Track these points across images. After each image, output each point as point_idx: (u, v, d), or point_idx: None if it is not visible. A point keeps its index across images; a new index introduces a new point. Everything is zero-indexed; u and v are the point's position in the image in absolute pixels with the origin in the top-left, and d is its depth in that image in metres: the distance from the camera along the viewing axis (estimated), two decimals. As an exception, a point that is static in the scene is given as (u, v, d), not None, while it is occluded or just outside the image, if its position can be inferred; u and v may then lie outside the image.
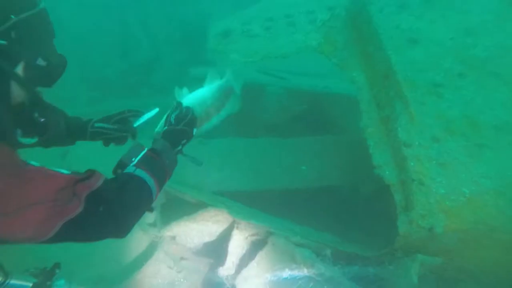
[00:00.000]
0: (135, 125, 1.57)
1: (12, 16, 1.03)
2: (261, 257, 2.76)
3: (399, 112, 2.28)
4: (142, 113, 1.59)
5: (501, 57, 2.60)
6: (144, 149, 1.29)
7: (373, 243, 3.28)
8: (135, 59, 8.20)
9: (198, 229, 3.00)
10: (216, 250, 2.96)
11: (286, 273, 2.72)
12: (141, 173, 1.20)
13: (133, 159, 1.25)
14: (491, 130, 2.31)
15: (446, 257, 2.20)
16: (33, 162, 1.00)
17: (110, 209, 1.07)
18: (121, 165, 1.25)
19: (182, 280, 3.19)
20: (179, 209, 3.25)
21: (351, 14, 3.15)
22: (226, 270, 2.74)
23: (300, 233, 2.99)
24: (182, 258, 3.20)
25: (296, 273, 2.71)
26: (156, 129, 1.50)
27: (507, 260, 2.11)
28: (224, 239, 2.93)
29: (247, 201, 3.65)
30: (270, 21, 3.26)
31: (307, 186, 4.13)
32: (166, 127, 1.43)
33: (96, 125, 1.56)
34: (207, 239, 3.00)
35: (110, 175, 1.18)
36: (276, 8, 3.47)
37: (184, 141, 1.43)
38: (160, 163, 1.28)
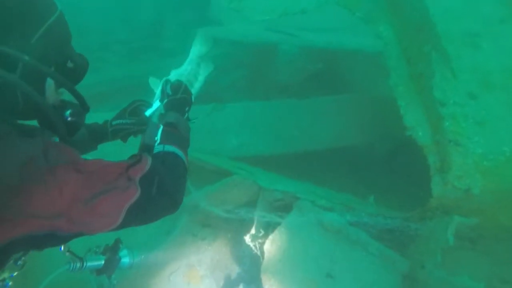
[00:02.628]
0: (147, 113, 1.58)
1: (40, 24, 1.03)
2: (288, 222, 2.75)
3: (435, 68, 2.11)
4: (150, 103, 1.60)
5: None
6: (160, 127, 1.32)
7: (392, 202, 3.28)
8: (137, 23, 7.88)
9: (221, 197, 2.98)
10: (240, 217, 2.96)
11: (314, 237, 2.72)
12: (170, 148, 1.25)
13: (155, 138, 1.29)
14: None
15: (481, 217, 2.15)
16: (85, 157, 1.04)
17: (163, 187, 1.12)
18: (146, 147, 1.31)
19: (207, 247, 3.24)
20: (199, 176, 3.23)
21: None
22: (253, 236, 2.74)
23: (324, 195, 2.97)
24: (205, 225, 3.22)
25: (323, 237, 2.72)
26: (154, 101, 1.54)
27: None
28: (248, 205, 2.92)
29: (266, 166, 3.62)
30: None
31: (324, 147, 4.08)
32: (166, 99, 1.46)
33: (113, 123, 1.59)
34: (230, 206, 2.99)
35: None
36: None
37: (187, 108, 1.48)
38: (179, 134, 1.33)
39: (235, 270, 3.20)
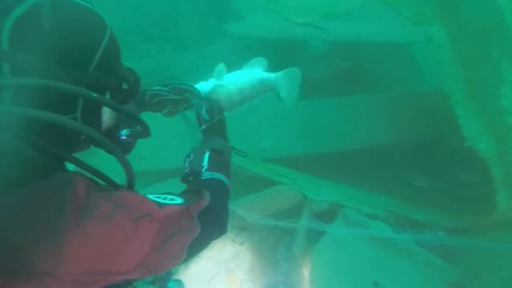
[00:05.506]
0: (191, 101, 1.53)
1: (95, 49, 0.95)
2: (333, 231, 2.71)
3: (505, 75, 1.98)
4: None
5: None
6: (205, 153, 1.31)
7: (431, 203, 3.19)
8: (152, 15, 7.71)
9: (262, 206, 2.94)
10: (281, 224, 2.93)
11: (359, 246, 2.68)
12: (217, 176, 1.26)
13: (202, 164, 1.28)
14: None
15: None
16: (151, 197, 0.99)
17: (216, 218, 1.14)
18: (192, 173, 1.29)
19: (245, 251, 3.22)
20: (235, 182, 3.19)
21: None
22: (298, 245, 2.70)
23: (367, 201, 2.91)
24: (242, 229, 3.20)
25: (369, 245, 2.67)
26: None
27: None
28: (290, 212, 2.87)
29: (299, 166, 3.57)
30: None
31: (357, 146, 4.00)
32: (204, 125, 1.44)
33: (153, 88, 1.54)
34: (270, 212, 2.96)
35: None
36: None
37: (225, 129, 1.46)
38: (224, 160, 1.33)
39: (272, 273, 3.20)
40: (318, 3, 2.72)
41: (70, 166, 0.94)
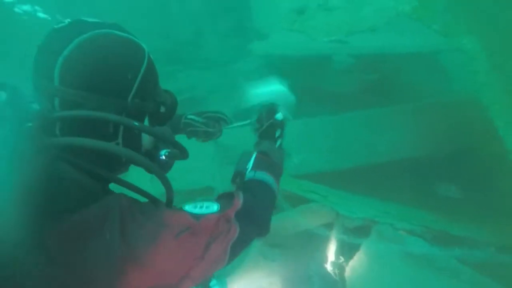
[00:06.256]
0: (224, 128, 1.64)
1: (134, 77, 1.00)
2: (368, 247, 2.65)
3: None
4: (234, 121, 1.64)
5: None
6: (253, 155, 1.36)
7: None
8: (176, 37, 7.98)
9: (292, 221, 2.93)
10: (314, 241, 2.90)
11: (396, 264, 2.60)
12: (260, 174, 1.29)
13: (247, 165, 1.33)
14: None
15: None
16: (189, 207, 1.03)
17: (255, 219, 1.15)
18: (238, 174, 1.34)
19: (278, 268, 3.20)
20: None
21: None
22: (330, 263, 2.66)
23: (401, 216, 2.83)
24: (274, 246, 3.19)
25: (406, 263, 2.59)
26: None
27: None
28: (322, 230, 2.84)
29: (328, 182, 3.53)
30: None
31: (386, 160, 3.92)
32: (257, 133, 1.50)
33: (188, 116, 1.64)
34: (303, 229, 2.93)
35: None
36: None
37: (279, 131, 1.47)
38: (271, 161, 1.36)
39: (306, 290, 3.14)
40: (343, 21, 2.74)
41: (114, 187, 1.01)
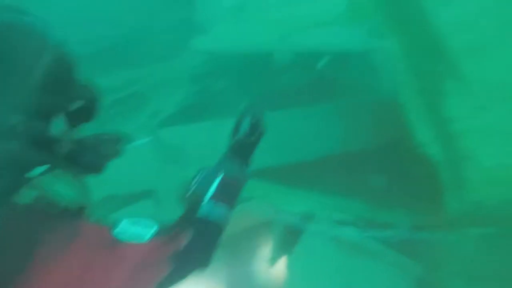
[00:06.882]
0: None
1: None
2: (303, 240, 2.78)
3: (443, 81, 2.13)
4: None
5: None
6: (218, 177, 1.17)
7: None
8: (116, 31, 7.60)
9: (232, 220, 2.96)
10: (254, 238, 2.96)
11: (329, 253, 2.76)
12: (218, 212, 1.14)
13: (209, 189, 1.15)
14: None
15: (496, 227, 2.23)
16: (126, 222, 0.96)
17: (195, 261, 1.09)
18: (195, 196, 1.15)
19: (219, 268, 3.21)
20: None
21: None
22: (271, 257, 2.75)
23: (338, 207, 3.00)
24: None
25: (339, 252, 2.76)
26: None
27: None
28: (261, 227, 2.91)
29: (268, 178, 3.61)
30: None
31: (325, 154, 4.10)
32: (234, 140, 1.29)
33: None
34: (240, 229, 2.96)
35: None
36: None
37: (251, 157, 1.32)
38: (236, 191, 1.21)
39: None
40: (285, 15, 2.79)
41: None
